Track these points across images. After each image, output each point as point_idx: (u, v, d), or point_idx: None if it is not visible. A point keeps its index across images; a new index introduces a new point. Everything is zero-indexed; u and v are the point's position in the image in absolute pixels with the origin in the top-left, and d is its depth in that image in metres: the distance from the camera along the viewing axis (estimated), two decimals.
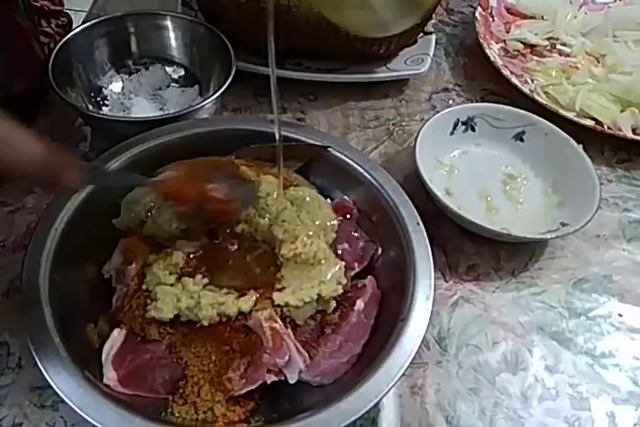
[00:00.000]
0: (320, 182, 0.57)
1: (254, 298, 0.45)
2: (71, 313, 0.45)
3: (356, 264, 0.51)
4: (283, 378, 0.43)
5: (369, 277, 0.50)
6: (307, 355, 0.44)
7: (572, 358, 0.53)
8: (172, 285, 0.46)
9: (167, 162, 0.53)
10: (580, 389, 0.51)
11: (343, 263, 0.50)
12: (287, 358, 0.43)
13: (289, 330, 0.44)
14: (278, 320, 0.44)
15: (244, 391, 0.43)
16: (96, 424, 0.38)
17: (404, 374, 0.42)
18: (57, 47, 0.62)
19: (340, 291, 0.48)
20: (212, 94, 0.60)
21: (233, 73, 0.62)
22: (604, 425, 0.49)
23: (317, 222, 0.51)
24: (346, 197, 0.55)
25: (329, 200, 0.55)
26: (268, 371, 0.43)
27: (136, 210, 0.50)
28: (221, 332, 0.45)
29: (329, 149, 0.55)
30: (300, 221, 0.51)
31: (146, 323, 0.45)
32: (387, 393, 0.40)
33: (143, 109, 0.66)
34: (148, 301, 0.45)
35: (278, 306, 0.45)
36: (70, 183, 0.38)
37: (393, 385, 0.41)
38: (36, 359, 0.40)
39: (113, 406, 0.39)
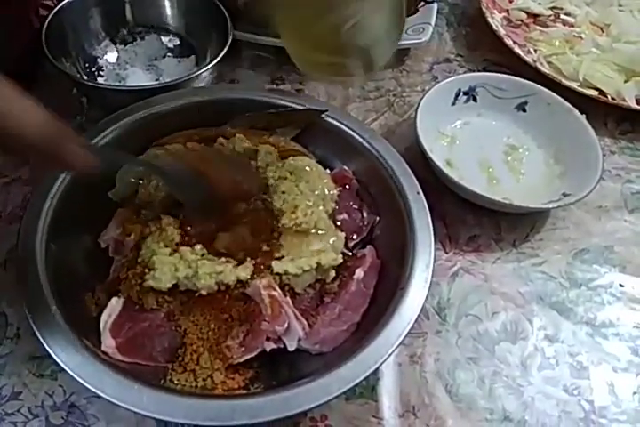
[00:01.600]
0: (319, 153, 0.56)
1: (252, 266, 0.45)
2: (68, 282, 0.45)
3: (355, 235, 0.51)
4: (282, 346, 0.43)
5: (368, 246, 0.50)
6: (305, 323, 0.44)
7: (572, 327, 0.52)
8: (169, 255, 0.46)
9: (163, 130, 0.53)
10: (580, 358, 0.51)
11: (343, 234, 0.49)
12: (286, 325, 0.42)
13: (288, 298, 0.44)
14: (277, 288, 0.43)
15: (243, 359, 0.43)
16: (95, 391, 0.38)
17: (402, 342, 0.41)
18: (50, 16, 0.61)
19: (340, 260, 0.47)
20: (209, 63, 0.59)
21: (229, 42, 0.61)
22: (603, 394, 0.49)
23: (317, 192, 0.50)
24: (345, 168, 0.54)
25: (328, 170, 0.54)
26: (267, 339, 0.42)
27: (129, 179, 0.49)
28: (220, 300, 0.44)
29: (327, 118, 0.54)
30: (299, 190, 0.50)
31: (144, 292, 0.44)
32: (386, 360, 0.40)
33: (139, 80, 0.65)
34: (146, 270, 0.45)
35: (277, 274, 0.44)
36: (73, 158, 0.34)
37: (392, 352, 0.40)
38: (33, 327, 0.40)
39: (112, 373, 0.38)
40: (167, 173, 0.45)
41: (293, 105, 0.54)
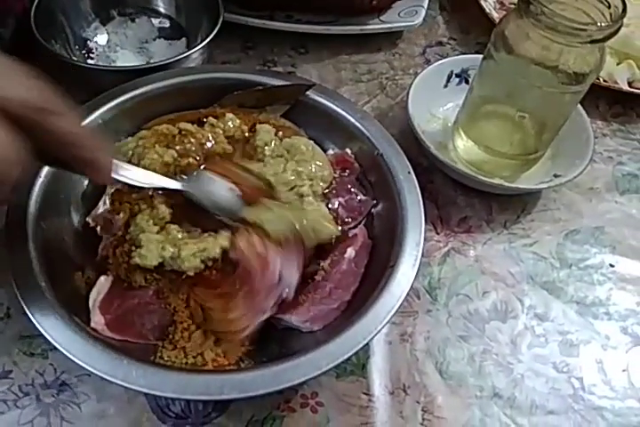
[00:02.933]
0: (311, 134, 0.55)
1: (229, 231, 0.45)
2: (58, 261, 0.45)
3: (350, 219, 0.50)
4: (283, 297, 0.43)
5: (360, 226, 0.50)
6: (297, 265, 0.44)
7: (563, 306, 0.53)
8: (157, 232, 0.45)
9: (152, 111, 0.53)
10: (570, 336, 0.51)
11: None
12: (277, 274, 0.43)
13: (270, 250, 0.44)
14: (257, 243, 0.43)
15: (251, 329, 0.42)
16: (84, 366, 0.38)
17: (393, 320, 0.42)
18: None
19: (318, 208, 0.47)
20: (199, 44, 0.58)
21: (220, 23, 0.61)
22: (592, 371, 0.49)
23: (304, 174, 0.50)
24: (348, 150, 0.54)
25: (331, 151, 0.54)
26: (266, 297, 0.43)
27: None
28: (208, 277, 0.44)
29: (320, 99, 0.54)
30: (284, 168, 0.49)
31: (131, 270, 0.44)
32: (375, 336, 0.40)
33: (129, 62, 0.64)
34: (133, 247, 0.44)
35: (254, 224, 0.45)
36: (107, 166, 0.36)
37: (381, 328, 0.40)
38: (23, 305, 0.40)
39: (101, 349, 0.38)
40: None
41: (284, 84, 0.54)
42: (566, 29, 0.45)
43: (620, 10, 0.46)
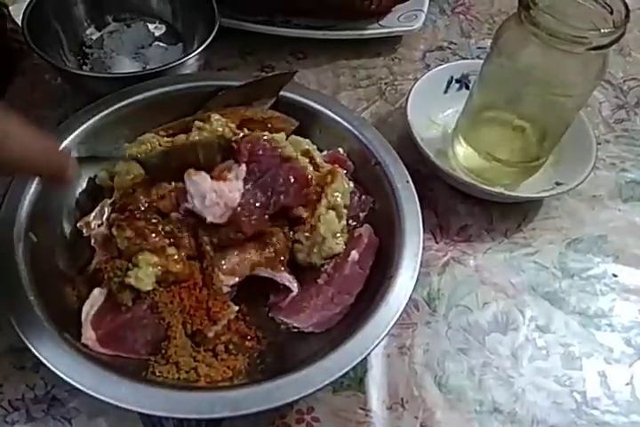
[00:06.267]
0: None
1: None
2: (48, 273, 0.44)
3: (351, 220, 0.49)
4: None
5: (365, 225, 0.49)
6: None
7: (565, 318, 0.52)
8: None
9: (148, 118, 0.52)
10: (572, 349, 0.50)
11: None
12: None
13: None
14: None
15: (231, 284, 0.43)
16: (72, 383, 0.37)
17: (391, 333, 0.41)
18: (32, 3, 0.59)
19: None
20: (195, 50, 0.57)
21: (216, 28, 0.60)
22: (595, 385, 0.48)
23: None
24: (340, 149, 0.53)
25: (325, 152, 0.53)
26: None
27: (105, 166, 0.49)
28: None
29: (317, 106, 0.54)
30: None
31: (122, 288, 0.42)
32: (372, 351, 0.39)
33: (125, 68, 0.63)
34: (130, 266, 0.43)
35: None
36: (70, 180, 0.37)
37: (378, 343, 0.40)
38: (12, 320, 0.39)
39: (90, 366, 0.38)
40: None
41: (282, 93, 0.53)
42: (567, 36, 0.44)
43: (623, 15, 0.45)
